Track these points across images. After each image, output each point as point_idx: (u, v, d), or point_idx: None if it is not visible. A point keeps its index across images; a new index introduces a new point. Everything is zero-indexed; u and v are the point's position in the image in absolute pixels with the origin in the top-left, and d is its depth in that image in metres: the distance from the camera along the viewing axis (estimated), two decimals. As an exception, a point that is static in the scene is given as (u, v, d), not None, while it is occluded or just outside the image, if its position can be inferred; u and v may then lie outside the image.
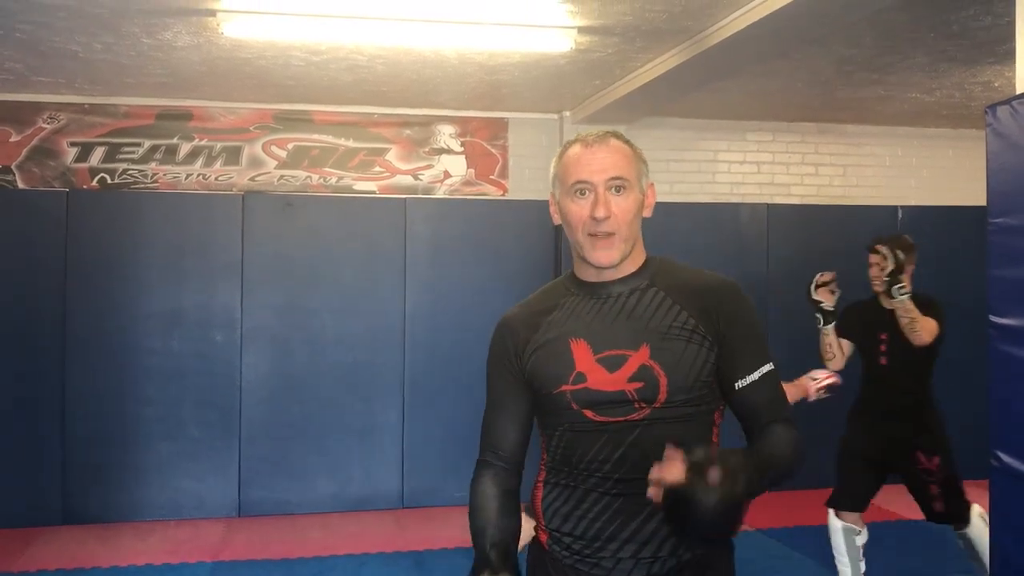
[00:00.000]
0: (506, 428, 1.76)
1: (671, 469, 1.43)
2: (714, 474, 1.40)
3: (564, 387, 1.66)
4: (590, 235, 1.66)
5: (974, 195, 5.43)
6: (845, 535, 3.87)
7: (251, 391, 5.73)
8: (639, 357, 1.62)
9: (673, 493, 1.42)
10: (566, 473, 1.68)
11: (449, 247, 5.96)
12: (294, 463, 5.76)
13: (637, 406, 1.62)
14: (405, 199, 6.02)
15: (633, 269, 1.72)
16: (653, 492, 1.44)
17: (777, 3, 3.68)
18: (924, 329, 3.64)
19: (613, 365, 1.63)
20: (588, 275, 1.73)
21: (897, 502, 5.67)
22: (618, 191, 1.66)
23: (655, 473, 1.44)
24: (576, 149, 1.69)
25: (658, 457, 1.52)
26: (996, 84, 5.49)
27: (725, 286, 1.71)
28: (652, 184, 1.74)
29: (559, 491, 1.69)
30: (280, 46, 4.63)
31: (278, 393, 5.76)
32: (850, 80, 5.45)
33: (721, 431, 1.71)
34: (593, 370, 1.64)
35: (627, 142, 1.71)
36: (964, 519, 3.76)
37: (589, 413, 1.64)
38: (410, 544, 5.07)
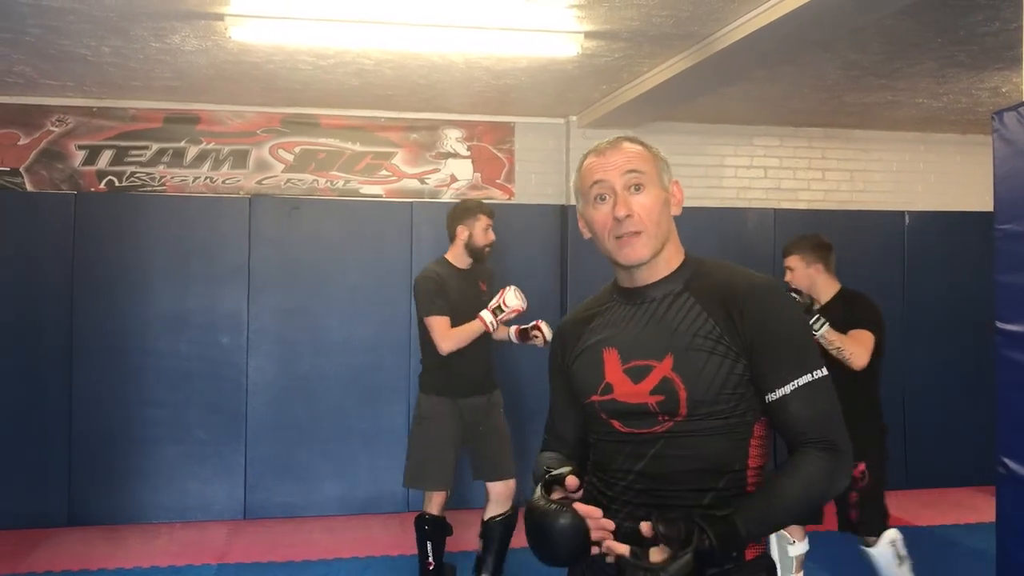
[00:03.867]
0: (565, 430, 1.81)
1: (620, 548, 1.48)
2: (656, 555, 1.44)
3: (594, 397, 1.65)
4: (616, 237, 1.62)
5: (981, 200, 5.41)
6: (778, 542, 3.78)
7: (257, 394, 5.74)
8: (662, 368, 1.58)
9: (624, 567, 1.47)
10: (599, 478, 1.69)
11: (455, 251, 5.95)
12: (300, 466, 5.77)
13: (660, 419, 1.58)
14: (411, 203, 6.03)
15: (667, 272, 1.66)
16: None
17: (784, 8, 3.68)
18: (855, 352, 3.56)
19: (638, 376, 1.60)
20: (625, 281, 1.70)
21: (904, 508, 5.66)
22: (637, 189, 1.62)
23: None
24: (590, 158, 1.68)
25: (679, 470, 1.55)
26: (1004, 89, 5.48)
27: (754, 289, 1.60)
28: (677, 181, 1.69)
29: (595, 493, 1.68)
30: (288, 50, 4.64)
31: (284, 396, 5.77)
32: (857, 85, 5.44)
33: (768, 443, 1.62)
34: (620, 381, 1.62)
35: (641, 143, 1.68)
36: (876, 532, 3.71)
37: (616, 424, 1.63)
38: (415, 548, 5.06)
